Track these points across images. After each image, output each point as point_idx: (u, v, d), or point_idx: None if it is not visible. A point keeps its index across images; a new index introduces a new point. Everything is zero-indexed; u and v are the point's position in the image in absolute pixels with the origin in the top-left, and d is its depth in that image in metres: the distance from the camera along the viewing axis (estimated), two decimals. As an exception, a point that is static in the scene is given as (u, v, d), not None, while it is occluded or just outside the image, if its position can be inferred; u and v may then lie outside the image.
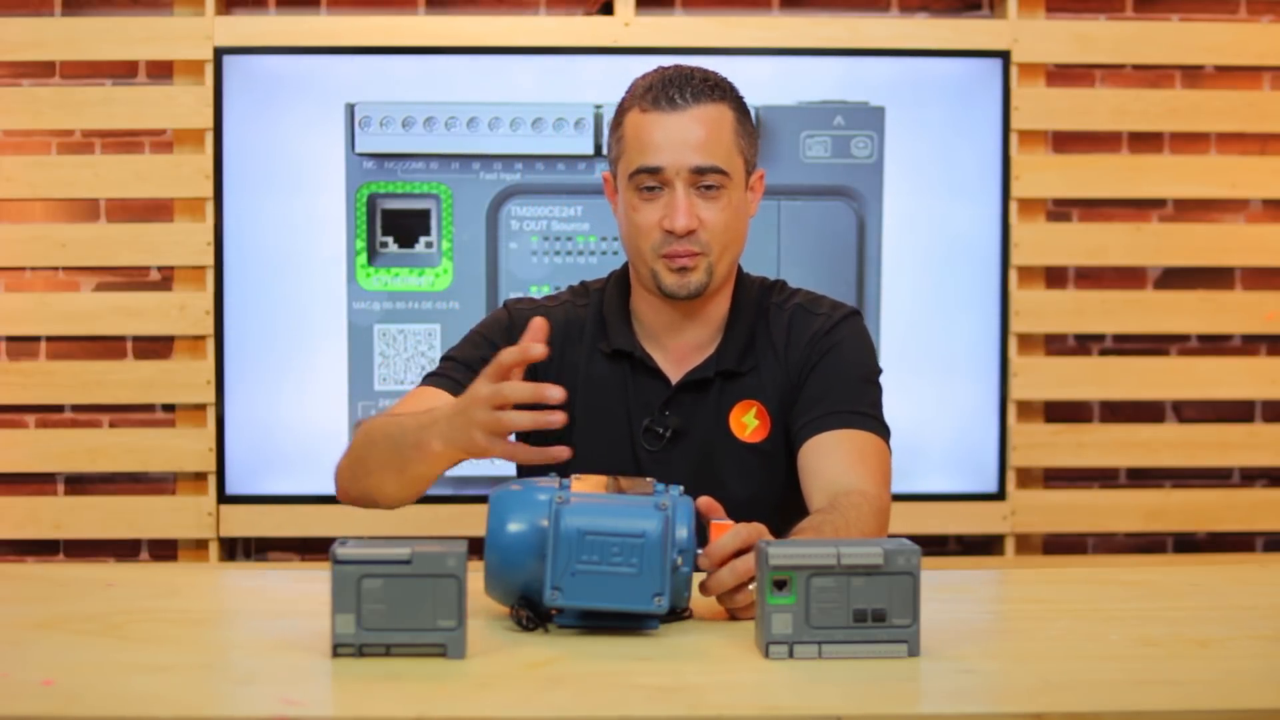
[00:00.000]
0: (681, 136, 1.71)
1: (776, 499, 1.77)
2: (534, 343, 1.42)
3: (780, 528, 1.51)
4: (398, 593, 1.23)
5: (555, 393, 1.40)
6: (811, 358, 1.79)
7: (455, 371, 1.78)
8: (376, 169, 3.03)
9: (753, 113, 1.80)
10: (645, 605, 1.31)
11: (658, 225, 1.72)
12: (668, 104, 1.72)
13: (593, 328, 1.84)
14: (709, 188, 1.72)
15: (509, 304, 1.88)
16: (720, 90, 1.75)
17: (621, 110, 1.78)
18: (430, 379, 1.79)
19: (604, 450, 1.78)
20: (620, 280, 1.86)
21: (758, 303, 1.84)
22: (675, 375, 1.81)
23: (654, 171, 1.72)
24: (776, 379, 1.80)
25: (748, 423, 1.80)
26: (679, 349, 1.82)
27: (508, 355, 1.43)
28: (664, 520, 1.32)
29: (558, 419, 1.40)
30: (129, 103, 3.05)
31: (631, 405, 1.80)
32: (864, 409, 1.76)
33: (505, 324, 1.83)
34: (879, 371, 1.83)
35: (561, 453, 1.43)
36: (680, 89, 1.72)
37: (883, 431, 1.76)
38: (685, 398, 1.80)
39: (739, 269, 1.85)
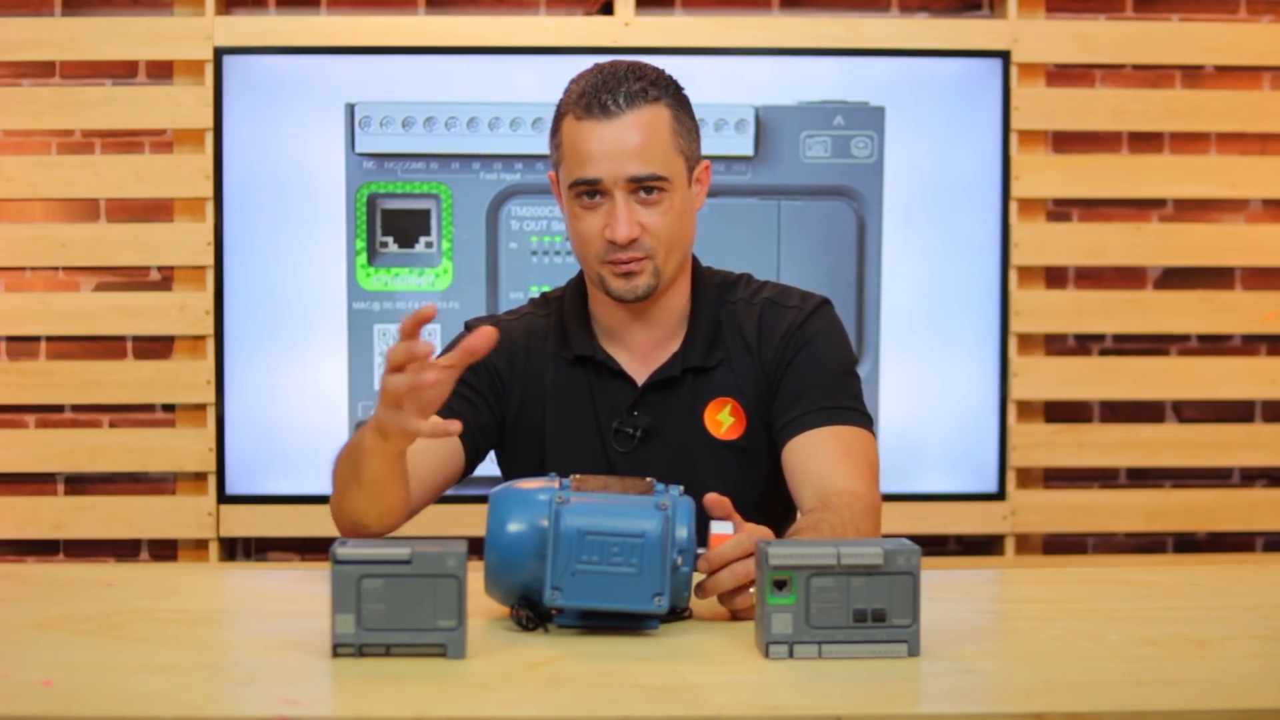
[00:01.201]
0: (618, 146, 1.68)
1: (756, 496, 1.76)
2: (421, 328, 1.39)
3: (763, 525, 1.50)
4: (398, 593, 1.23)
5: (421, 341, 1.37)
6: (787, 353, 1.77)
7: None
8: (376, 169, 3.03)
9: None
10: (645, 605, 1.31)
11: (600, 234, 1.71)
12: (601, 111, 1.68)
13: (554, 336, 1.83)
14: (650, 191, 1.70)
15: (469, 323, 1.86)
16: (656, 89, 1.71)
17: (559, 114, 1.75)
18: None
19: (577, 455, 1.77)
20: (578, 285, 1.85)
21: (719, 296, 1.82)
22: (640, 375, 1.80)
23: (592, 183, 1.70)
24: (751, 375, 1.78)
25: (723, 420, 1.78)
26: (641, 347, 1.80)
27: (406, 323, 1.39)
28: (664, 520, 1.32)
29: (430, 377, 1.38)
30: (129, 103, 3.05)
31: (599, 409, 1.79)
32: (845, 403, 1.75)
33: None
34: (856, 361, 1.82)
35: (454, 426, 1.40)
36: (613, 94, 1.68)
37: (866, 423, 1.75)
38: (654, 397, 1.79)
39: (695, 261, 1.84)
